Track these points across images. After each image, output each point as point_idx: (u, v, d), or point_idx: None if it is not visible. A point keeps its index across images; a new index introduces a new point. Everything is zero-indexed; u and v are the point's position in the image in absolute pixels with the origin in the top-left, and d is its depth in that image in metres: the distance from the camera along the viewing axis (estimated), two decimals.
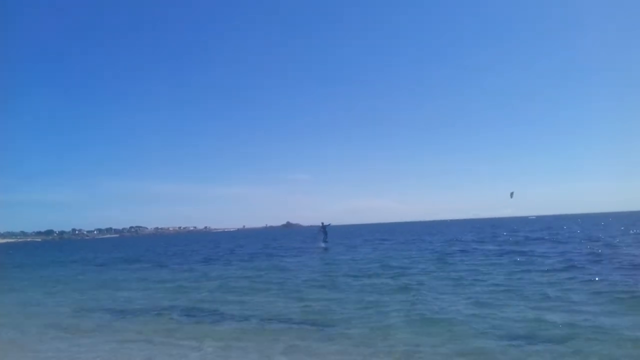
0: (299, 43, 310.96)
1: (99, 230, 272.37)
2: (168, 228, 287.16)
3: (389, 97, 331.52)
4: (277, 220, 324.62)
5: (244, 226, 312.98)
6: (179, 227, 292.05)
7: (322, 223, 44.84)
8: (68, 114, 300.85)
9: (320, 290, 16.99)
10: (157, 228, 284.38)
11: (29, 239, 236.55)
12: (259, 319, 12.65)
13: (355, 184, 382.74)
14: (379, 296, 14.92)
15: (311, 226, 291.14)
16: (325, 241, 43.36)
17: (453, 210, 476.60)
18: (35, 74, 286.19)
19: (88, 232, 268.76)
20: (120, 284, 22.61)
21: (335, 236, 72.16)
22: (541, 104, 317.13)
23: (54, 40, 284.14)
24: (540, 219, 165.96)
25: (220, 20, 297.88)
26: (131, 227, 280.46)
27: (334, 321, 11.85)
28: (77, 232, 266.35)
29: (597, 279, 16.16)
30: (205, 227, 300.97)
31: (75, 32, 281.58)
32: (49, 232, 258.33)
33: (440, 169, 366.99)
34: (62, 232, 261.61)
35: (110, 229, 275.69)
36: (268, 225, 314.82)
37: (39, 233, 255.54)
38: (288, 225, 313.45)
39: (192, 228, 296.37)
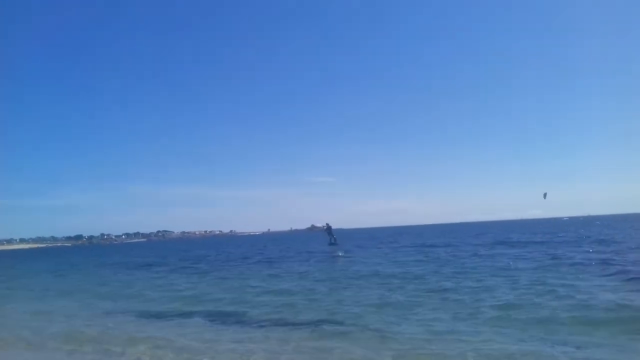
0: (321, 43, 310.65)
1: (127, 234, 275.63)
2: (194, 232, 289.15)
3: (412, 97, 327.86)
4: (302, 224, 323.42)
5: (269, 230, 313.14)
6: (205, 231, 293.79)
7: (327, 224, 44.01)
8: (97, 120, 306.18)
9: None
10: (183, 232, 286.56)
11: (59, 244, 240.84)
12: None
13: (378, 186, 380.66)
14: None
15: (337, 229, 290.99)
16: (333, 243, 41.25)
17: (477, 212, 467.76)
18: (57, 79, 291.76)
19: (116, 236, 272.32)
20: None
21: (368, 240, 70.95)
22: (572, 102, 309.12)
23: (76, 43, 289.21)
24: (573, 220, 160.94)
25: (243, 22, 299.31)
26: (158, 232, 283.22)
27: None
28: (105, 236, 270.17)
29: None
30: (231, 231, 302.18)
31: (95, 31, 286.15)
32: (79, 237, 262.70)
33: (463, 170, 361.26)
34: (91, 237, 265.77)
35: (138, 233, 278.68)
36: (293, 228, 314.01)
37: (68, 238, 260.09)
38: (313, 228, 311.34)
39: (217, 232, 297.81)
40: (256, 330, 12.07)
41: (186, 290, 21.25)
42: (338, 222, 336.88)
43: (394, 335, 10.74)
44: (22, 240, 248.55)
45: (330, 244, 42.26)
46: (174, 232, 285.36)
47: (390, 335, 10.75)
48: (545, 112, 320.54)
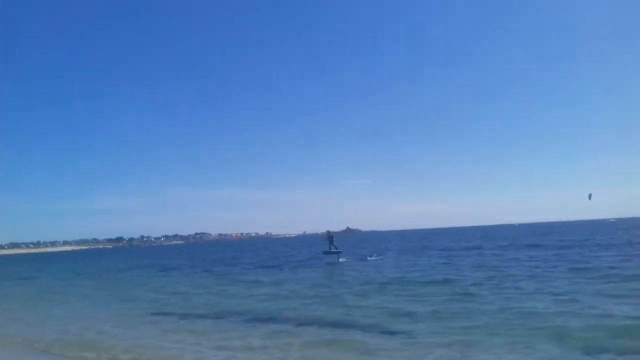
0: (354, 44, 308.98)
1: (166, 237, 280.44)
2: (231, 234, 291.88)
3: (452, 97, 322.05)
4: (337, 226, 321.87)
5: (304, 232, 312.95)
6: (241, 233, 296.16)
7: (328, 231, 40.98)
8: (138, 126, 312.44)
9: None
10: (220, 234, 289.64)
11: (100, 246, 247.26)
12: None
13: (414, 188, 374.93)
14: None
15: (372, 231, 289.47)
16: (329, 252, 39.08)
17: (517, 213, 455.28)
18: (96, 85, 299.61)
19: (155, 238, 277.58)
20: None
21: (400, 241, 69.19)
22: (615, 102, 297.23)
23: (112, 48, 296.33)
24: (623, 221, 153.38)
25: (281, 23, 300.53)
26: (196, 234, 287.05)
27: None
28: (145, 238, 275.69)
29: None
30: (267, 233, 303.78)
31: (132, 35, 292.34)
32: (119, 239, 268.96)
33: (502, 171, 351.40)
34: (131, 239, 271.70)
35: (177, 235, 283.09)
36: (328, 230, 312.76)
37: (109, 240, 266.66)
38: (348, 230, 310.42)
39: (254, 234, 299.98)
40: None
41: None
42: (373, 224, 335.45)
43: None
44: (65, 243, 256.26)
45: (325, 252, 39.99)
46: (211, 234, 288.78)
47: None
48: (586, 110, 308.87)
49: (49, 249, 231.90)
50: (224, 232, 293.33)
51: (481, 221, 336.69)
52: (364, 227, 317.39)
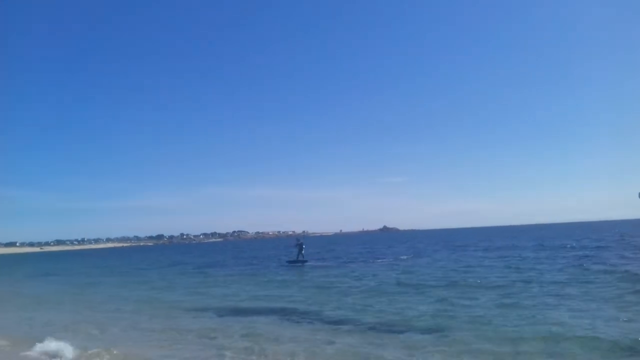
0: (387, 40, 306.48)
1: (205, 234, 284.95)
2: (268, 232, 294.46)
3: (492, 91, 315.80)
4: (374, 225, 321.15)
5: (340, 230, 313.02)
6: (278, 232, 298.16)
7: (297, 239, 39.32)
8: (177, 126, 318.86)
9: None
10: (257, 232, 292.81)
11: (141, 243, 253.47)
12: None
13: (452, 186, 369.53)
14: None
15: (409, 230, 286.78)
16: (297, 261, 36.94)
17: (562, 213, 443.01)
18: (139, 86, 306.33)
19: (195, 236, 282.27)
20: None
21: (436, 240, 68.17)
22: None
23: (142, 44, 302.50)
24: None
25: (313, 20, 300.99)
26: (234, 232, 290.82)
27: None
28: (184, 236, 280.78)
29: None
30: (303, 232, 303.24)
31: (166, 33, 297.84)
32: (160, 237, 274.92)
33: (542, 169, 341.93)
34: (171, 237, 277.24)
35: (215, 233, 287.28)
36: (365, 229, 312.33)
37: (150, 237, 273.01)
38: (385, 229, 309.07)
39: (290, 232, 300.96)
40: None
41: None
42: (411, 223, 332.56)
43: None
44: (108, 240, 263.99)
45: (290, 261, 37.77)
46: (248, 233, 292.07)
47: None
48: (625, 106, 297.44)
49: (93, 246, 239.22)
50: (261, 230, 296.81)
51: (520, 220, 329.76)
52: (402, 226, 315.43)
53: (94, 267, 55.81)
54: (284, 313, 15.75)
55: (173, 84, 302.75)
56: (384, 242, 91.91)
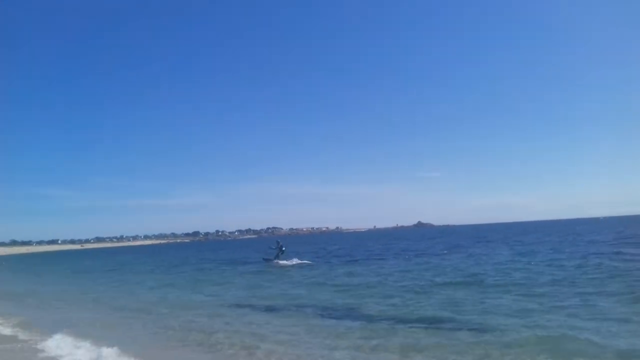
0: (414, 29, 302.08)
1: (240, 231, 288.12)
2: (302, 228, 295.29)
3: (523, 87, 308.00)
4: (408, 220, 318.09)
5: (374, 226, 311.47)
6: (312, 228, 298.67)
7: (278, 242, 39.66)
8: (210, 125, 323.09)
9: None
10: (291, 229, 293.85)
11: (178, 240, 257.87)
12: None
13: (489, 180, 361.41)
14: None
15: (445, 225, 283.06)
16: (269, 259, 38.35)
17: (602, 206, 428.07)
18: (173, 86, 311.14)
19: (230, 233, 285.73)
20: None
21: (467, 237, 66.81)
22: None
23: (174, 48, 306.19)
24: None
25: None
26: (268, 228, 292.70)
27: None
28: (220, 233, 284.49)
29: None
30: (337, 228, 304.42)
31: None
32: (196, 234, 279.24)
33: (587, 161, 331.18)
34: (207, 234, 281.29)
35: (250, 229, 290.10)
36: (399, 225, 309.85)
37: (187, 234, 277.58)
38: (419, 224, 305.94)
39: (324, 228, 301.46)
40: None
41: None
42: (446, 219, 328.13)
43: None
44: (146, 237, 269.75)
45: (266, 258, 39.41)
46: (282, 229, 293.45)
47: None
48: None
49: (131, 243, 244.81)
50: (295, 226, 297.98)
51: (562, 214, 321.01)
52: (436, 221, 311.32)
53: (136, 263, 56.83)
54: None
55: (207, 83, 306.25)
56: (413, 238, 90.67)
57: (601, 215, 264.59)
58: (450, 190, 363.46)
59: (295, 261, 37.38)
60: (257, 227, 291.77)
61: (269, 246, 41.74)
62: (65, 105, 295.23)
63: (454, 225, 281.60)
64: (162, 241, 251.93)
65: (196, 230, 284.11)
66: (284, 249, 38.41)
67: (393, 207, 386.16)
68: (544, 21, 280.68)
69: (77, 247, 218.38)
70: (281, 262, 37.01)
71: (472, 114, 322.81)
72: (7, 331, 14.78)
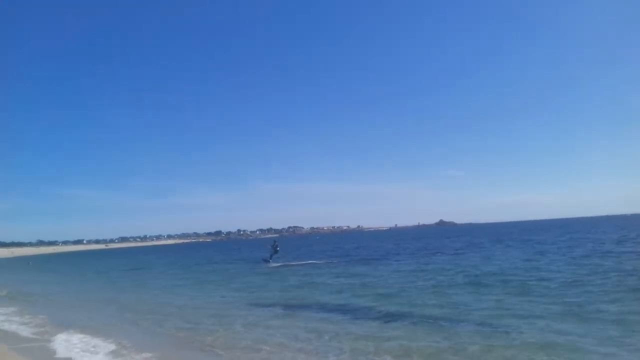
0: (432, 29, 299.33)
1: (261, 230, 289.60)
2: (323, 227, 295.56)
3: (543, 84, 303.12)
4: (430, 219, 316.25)
5: (395, 225, 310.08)
6: (333, 227, 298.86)
7: (274, 241, 43.58)
8: (232, 127, 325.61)
9: None
10: (312, 228, 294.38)
11: (200, 240, 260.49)
12: None
13: (511, 178, 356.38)
14: None
15: (467, 224, 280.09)
16: (267, 260, 40.95)
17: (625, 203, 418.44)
18: (201, 86, 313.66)
19: (251, 232, 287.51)
20: None
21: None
22: None
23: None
24: None
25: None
26: (289, 227, 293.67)
27: None
28: (241, 232, 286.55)
29: None
30: (358, 226, 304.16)
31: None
32: (218, 233, 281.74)
33: (608, 158, 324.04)
34: (229, 233, 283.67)
35: (271, 229, 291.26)
36: (420, 223, 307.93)
37: (209, 234, 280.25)
38: (441, 223, 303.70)
39: (345, 227, 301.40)
40: None
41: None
42: (468, 217, 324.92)
43: None
44: (169, 237, 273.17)
45: (265, 260, 41.60)
46: (304, 228, 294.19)
47: None
48: None
49: (154, 243, 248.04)
50: (315, 225, 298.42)
51: (589, 212, 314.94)
52: (458, 219, 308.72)
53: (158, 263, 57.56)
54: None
55: (229, 83, 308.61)
56: (430, 237, 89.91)
57: (629, 212, 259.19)
58: (472, 189, 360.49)
59: (281, 263, 39.92)
60: (279, 227, 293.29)
61: (267, 246, 44.63)
62: (89, 106, 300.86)
63: (477, 224, 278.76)
64: (185, 240, 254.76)
65: (218, 229, 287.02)
66: (278, 249, 41.56)
67: (414, 205, 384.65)
68: (560, 22, 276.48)
69: (102, 246, 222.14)
70: (272, 264, 39.53)
71: (494, 112, 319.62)
72: (26, 331, 15.22)
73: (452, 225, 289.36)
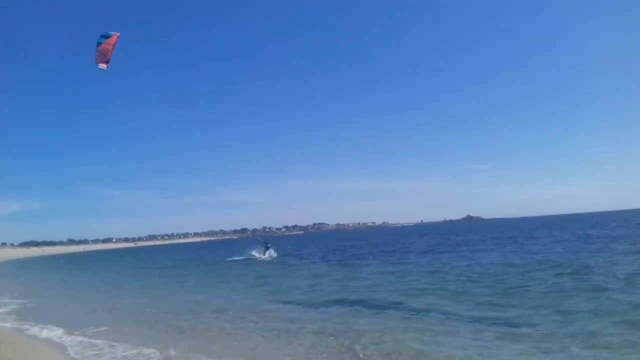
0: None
1: (286, 227, 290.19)
2: (348, 224, 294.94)
3: (574, 76, 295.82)
4: (457, 214, 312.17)
5: (422, 220, 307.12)
6: (358, 223, 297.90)
7: (266, 242, 47.83)
8: (256, 125, 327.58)
9: None
10: (337, 224, 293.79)
11: (226, 237, 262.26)
12: None
13: (540, 172, 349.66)
14: None
15: (495, 219, 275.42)
16: (260, 253, 45.42)
17: None
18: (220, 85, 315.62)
19: (277, 229, 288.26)
20: None
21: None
22: None
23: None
24: None
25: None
26: (314, 224, 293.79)
27: None
28: (267, 229, 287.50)
29: None
30: (384, 223, 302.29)
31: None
32: (244, 230, 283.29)
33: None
34: (254, 230, 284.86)
35: (296, 226, 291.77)
36: (447, 219, 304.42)
37: (235, 231, 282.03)
38: (468, 218, 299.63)
39: (370, 224, 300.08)
40: None
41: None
42: (495, 212, 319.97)
43: None
44: (196, 234, 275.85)
45: (252, 255, 46.20)
46: (329, 225, 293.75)
47: None
48: None
49: (182, 240, 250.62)
50: (341, 222, 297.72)
51: (622, 205, 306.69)
52: (486, 214, 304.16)
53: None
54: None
55: (253, 83, 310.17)
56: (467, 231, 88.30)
57: None
58: (499, 183, 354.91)
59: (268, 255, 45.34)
60: (304, 224, 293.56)
61: (259, 243, 49.49)
62: (118, 106, 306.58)
63: (504, 218, 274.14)
64: (211, 238, 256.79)
65: (244, 227, 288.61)
66: (268, 245, 46.60)
67: (441, 200, 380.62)
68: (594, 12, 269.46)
69: (131, 245, 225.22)
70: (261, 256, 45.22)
71: (521, 105, 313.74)
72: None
73: (480, 220, 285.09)
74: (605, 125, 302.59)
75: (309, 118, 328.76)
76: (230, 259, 46.84)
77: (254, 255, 45.71)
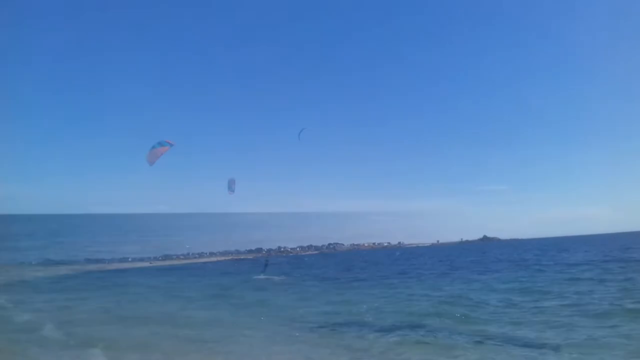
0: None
1: (301, 247, 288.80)
2: (363, 244, 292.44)
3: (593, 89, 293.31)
4: (473, 235, 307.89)
5: (437, 241, 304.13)
6: (373, 243, 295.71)
7: (266, 260, 51.90)
8: (272, 142, 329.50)
9: None
10: (352, 244, 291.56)
11: (242, 257, 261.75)
12: None
13: (559, 191, 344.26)
14: None
15: (512, 239, 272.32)
16: (261, 271, 46.83)
17: None
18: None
19: (292, 249, 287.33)
20: None
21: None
22: None
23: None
24: None
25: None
26: (329, 244, 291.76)
27: None
28: (282, 249, 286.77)
29: None
30: (399, 243, 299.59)
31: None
32: (259, 250, 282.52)
33: None
34: (269, 250, 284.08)
35: (311, 246, 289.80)
36: (464, 239, 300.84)
37: (250, 251, 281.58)
38: (485, 239, 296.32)
39: (385, 244, 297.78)
40: None
41: None
42: (512, 232, 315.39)
43: None
44: (211, 254, 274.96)
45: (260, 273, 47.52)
46: (344, 245, 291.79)
47: None
48: None
49: (197, 260, 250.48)
50: (356, 242, 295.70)
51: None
52: (503, 235, 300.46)
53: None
54: None
55: (273, 95, 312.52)
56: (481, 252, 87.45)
57: None
58: (516, 203, 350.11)
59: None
60: (319, 244, 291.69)
61: (260, 263, 53.23)
62: (127, 111, 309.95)
63: (521, 239, 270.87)
64: (227, 258, 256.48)
65: (259, 246, 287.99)
66: (267, 264, 48.42)
67: (457, 221, 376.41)
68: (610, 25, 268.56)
69: (147, 264, 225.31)
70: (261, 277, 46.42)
71: (541, 124, 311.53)
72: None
73: (497, 240, 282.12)
74: (630, 143, 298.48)
75: (324, 138, 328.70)
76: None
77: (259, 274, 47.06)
